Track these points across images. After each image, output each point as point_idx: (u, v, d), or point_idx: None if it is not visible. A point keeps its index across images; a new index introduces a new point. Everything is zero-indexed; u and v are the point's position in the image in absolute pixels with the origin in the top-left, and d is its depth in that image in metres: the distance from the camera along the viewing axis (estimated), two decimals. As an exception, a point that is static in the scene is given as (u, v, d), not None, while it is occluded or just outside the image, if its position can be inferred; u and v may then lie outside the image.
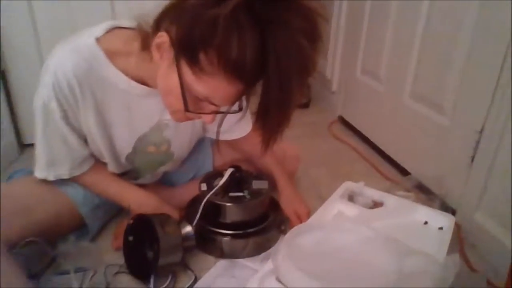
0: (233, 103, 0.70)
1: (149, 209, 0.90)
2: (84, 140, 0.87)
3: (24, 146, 1.47)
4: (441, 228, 0.93)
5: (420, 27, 1.28)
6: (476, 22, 1.04)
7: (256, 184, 0.98)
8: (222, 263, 0.92)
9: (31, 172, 0.89)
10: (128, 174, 1.00)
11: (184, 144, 1.00)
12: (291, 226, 0.92)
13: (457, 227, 1.05)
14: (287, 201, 1.07)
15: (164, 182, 1.13)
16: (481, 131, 1.02)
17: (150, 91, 0.81)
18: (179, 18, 0.61)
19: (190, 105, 0.68)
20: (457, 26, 1.10)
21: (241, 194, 0.94)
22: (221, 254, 0.93)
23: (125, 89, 0.80)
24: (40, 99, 0.78)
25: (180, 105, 0.68)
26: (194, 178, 1.14)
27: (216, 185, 0.95)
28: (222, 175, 0.97)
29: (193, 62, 0.62)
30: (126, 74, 0.79)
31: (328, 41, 2.01)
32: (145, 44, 0.71)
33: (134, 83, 0.80)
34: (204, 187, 0.96)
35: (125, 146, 0.90)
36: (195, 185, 0.99)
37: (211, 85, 0.63)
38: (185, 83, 0.65)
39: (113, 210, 1.04)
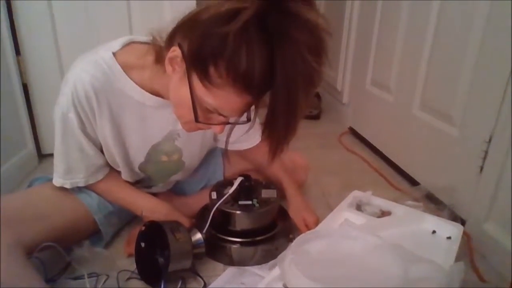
0: (241, 114, 0.73)
1: (161, 216, 0.93)
2: (100, 150, 0.91)
3: (43, 156, 1.53)
4: (449, 238, 0.93)
5: (429, 39, 1.29)
6: (484, 33, 1.05)
7: (265, 193, 1.00)
8: (231, 270, 0.94)
9: (49, 180, 0.93)
10: (141, 183, 1.03)
11: (194, 153, 1.03)
12: (299, 234, 0.94)
13: (467, 237, 1.05)
14: (296, 209, 1.09)
15: (176, 191, 1.16)
16: (489, 141, 1.03)
17: (163, 103, 0.85)
18: (192, 33, 0.64)
19: (200, 116, 0.71)
20: (465, 38, 1.11)
21: (250, 202, 0.96)
22: (230, 261, 0.95)
23: (139, 101, 0.84)
24: (59, 109, 0.82)
25: (191, 116, 0.71)
26: (205, 187, 1.16)
27: (226, 194, 0.97)
28: (232, 184, 0.99)
29: (204, 75, 0.65)
30: (141, 86, 0.83)
31: (339, 53, 2.04)
32: (159, 58, 0.75)
33: (148, 95, 0.84)
34: (214, 195, 0.98)
35: (138, 155, 0.94)
36: (206, 194, 1.01)
37: (221, 97, 0.66)
38: (196, 95, 0.68)
39: (127, 217, 1.07)
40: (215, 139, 1.08)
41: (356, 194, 1.08)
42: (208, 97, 0.67)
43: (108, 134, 0.86)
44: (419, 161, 1.39)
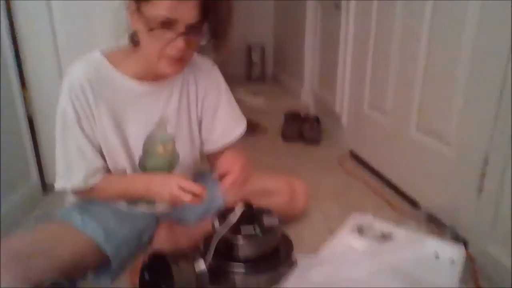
0: (185, 16, 0.81)
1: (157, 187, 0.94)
2: (99, 152, 0.96)
3: (48, 189, 1.54)
4: (451, 260, 0.93)
5: (421, 62, 1.33)
6: (473, 56, 1.09)
7: (267, 220, 1.01)
8: (235, 298, 0.94)
9: (53, 217, 0.95)
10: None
11: (186, 143, 1.05)
12: (301, 258, 0.94)
13: (471, 259, 1.05)
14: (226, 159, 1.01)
15: (179, 221, 1.17)
16: (486, 162, 1.04)
17: (151, 88, 0.96)
18: None
19: (158, 35, 0.81)
20: (456, 60, 1.15)
21: (253, 231, 0.97)
22: (234, 289, 0.95)
23: (130, 89, 0.94)
24: (59, 107, 0.91)
25: (159, 47, 0.83)
26: (206, 215, 1.17)
27: (229, 222, 0.98)
28: (233, 211, 1.00)
29: None
30: (129, 75, 0.93)
31: (336, 78, 2.09)
32: (133, 39, 0.89)
33: (136, 82, 0.94)
34: (217, 224, 0.99)
35: (137, 146, 0.99)
36: (208, 222, 1.02)
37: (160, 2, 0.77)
38: (146, 17, 0.80)
39: (134, 248, 1.06)
40: (204, 139, 1.10)
41: (356, 217, 1.09)
42: (155, 10, 0.79)
43: (107, 125, 0.93)
44: (419, 183, 1.40)
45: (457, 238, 1.10)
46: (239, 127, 1.11)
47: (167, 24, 0.80)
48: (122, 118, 0.95)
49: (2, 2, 1.30)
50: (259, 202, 1.12)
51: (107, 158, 0.97)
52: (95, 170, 0.95)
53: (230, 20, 0.85)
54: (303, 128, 2.22)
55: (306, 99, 2.73)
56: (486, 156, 1.04)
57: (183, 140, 1.05)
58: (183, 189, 0.89)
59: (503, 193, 0.99)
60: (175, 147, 1.03)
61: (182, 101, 1.02)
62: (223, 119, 1.08)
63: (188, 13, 0.80)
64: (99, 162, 0.96)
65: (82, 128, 0.92)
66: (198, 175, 1.22)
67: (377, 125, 1.68)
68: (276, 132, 2.32)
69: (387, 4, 1.54)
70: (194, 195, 0.89)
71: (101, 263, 0.97)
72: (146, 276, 0.90)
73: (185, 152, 1.06)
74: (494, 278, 1.00)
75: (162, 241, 1.08)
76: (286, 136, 2.23)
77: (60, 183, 0.94)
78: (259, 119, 2.41)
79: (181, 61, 0.88)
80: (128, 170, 0.99)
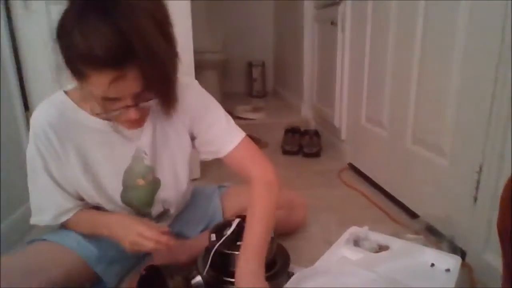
0: (126, 92, 0.75)
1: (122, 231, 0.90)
2: (72, 192, 0.94)
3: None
4: (448, 270, 0.93)
5: (414, 74, 1.36)
6: (465, 67, 1.11)
7: (263, 233, 1.02)
8: (232, 311, 0.94)
9: (46, 238, 0.96)
10: None
11: (167, 172, 1.01)
12: (299, 271, 0.94)
13: (469, 269, 1.05)
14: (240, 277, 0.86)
15: (177, 235, 1.18)
16: (480, 171, 1.05)
17: (118, 126, 0.90)
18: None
19: (104, 107, 0.78)
20: (448, 72, 1.17)
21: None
22: (231, 301, 0.95)
23: (97, 128, 0.89)
24: (27, 151, 0.90)
25: (112, 114, 0.79)
26: (205, 229, 1.18)
27: (225, 235, 0.99)
28: (231, 225, 1.01)
29: (73, 73, 0.73)
30: (94, 114, 0.87)
31: (334, 92, 2.11)
32: None
33: (102, 121, 0.88)
34: (213, 237, 1.00)
35: (114, 183, 0.95)
36: (206, 236, 1.03)
37: (93, 83, 0.72)
38: (84, 91, 0.76)
39: (130, 264, 1.08)
40: (198, 150, 1.05)
41: (353, 230, 1.10)
42: (88, 87, 0.73)
43: (77, 169, 0.90)
44: (416, 194, 1.40)
45: (455, 248, 1.10)
46: (236, 134, 1.01)
47: (111, 99, 0.75)
48: (92, 158, 0.92)
49: (3, 13, 1.33)
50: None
51: (83, 197, 0.96)
52: (65, 211, 0.95)
53: (171, 80, 0.79)
54: (303, 142, 2.24)
55: (306, 114, 2.76)
56: (480, 166, 1.05)
57: (164, 169, 1.00)
58: (144, 237, 0.85)
59: (497, 201, 0.98)
60: (155, 174, 1.00)
61: (157, 132, 0.96)
62: (217, 130, 1.00)
63: (130, 88, 0.74)
64: (69, 204, 0.94)
65: (50, 173, 0.90)
66: (198, 190, 1.24)
67: (375, 138, 1.70)
68: (277, 146, 2.34)
69: (382, 20, 1.58)
70: (158, 242, 0.85)
71: (98, 279, 0.98)
72: (143, 290, 0.90)
73: (168, 180, 1.02)
74: (491, 286, 0.99)
75: (161, 255, 1.09)
76: (286, 150, 2.25)
77: (33, 219, 0.95)
78: (260, 135, 2.44)
79: (142, 118, 0.87)
80: (108, 207, 0.98)
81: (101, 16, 0.67)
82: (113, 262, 1.00)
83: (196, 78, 1.78)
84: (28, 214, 0.96)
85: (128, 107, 0.77)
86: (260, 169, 1.00)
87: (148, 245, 0.86)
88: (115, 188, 0.96)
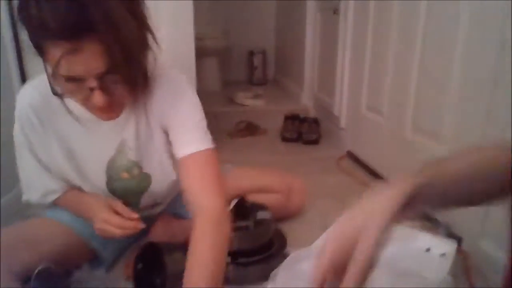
0: (86, 71, 0.68)
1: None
2: (58, 177, 0.93)
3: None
4: (443, 255, 0.94)
5: (416, 64, 1.35)
6: (467, 54, 1.10)
7: (260, 215, 1.03)
8: (227, 291, 0.95)
9: (42, 214, 0.97)
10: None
11: (154, 167, 0.95)
12: (294, 252, 0.94)
13: (464, 256, 1.05)
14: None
15: (175, 215, 1.18)
16: (478, 159, 1.05)
17: (103, 115, 0.85)
18: None
19: (65, 89, 0.72)
20: (450, 59, 1.16)
21: (245, 223, 0.99)
22: (227, 281, 0.96)
23: (81, 116, 0.85)
24: (14, 131, 0.89)
25: (79, 98, 0.74)
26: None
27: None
28: (229, 204, 1.02)
29: (37, 52, 0.69)
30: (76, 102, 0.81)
31: (335, 80, 2.11)
32: None
33: (84, 109, 0.82)
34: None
35: (98, 173, 0.93)
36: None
37: (49, 59, 0.67)
38: (48, 70, 0.70)
39: (127, 241, 1.08)
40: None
41: (350, 214, 1.10)
42: (52, 65, 0.67)
43: (60, 156, 0.89)
44: (414, 182, 1.40)
45: (451, 235, 1.10)
46: (199, 141, 0.87)
47: (74, 79, 0.69)
48: (75, 146, 0.89)
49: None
50: (256, 198, 1.13)
51: (68, 183, 0.94)
52: (51, 191, 0.94)
53: (137, 62, 0.72)
54: (302, 129, 2.24)
55: (306, 102, 2.75)
56: (478, 153, 1.05)
57: (151, 165, 0.95)
58: (110, 224, 0.83)
59: (495, 189, 0.99)
60: (142, 171, 0.95)
61: (140, 125, 0.90)
62: (181, 131, 0.89)
63: (90, 65, 0.67)
64: (55, 185, 0.93)
65: (35, 155, 0.89)
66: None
67: (374, 126, 1.70)
68: (276, 133, 2.34)
69: (384, 9, 1.57)
70: (124, 228, 0.83)
71: (95, 254, 0.99)
72: (140, 267, 0.91)
73: (157, 175, 0.97)
74: (487, 273, 1.00)
75: (159, 235, 1.10)
76: (285, 137, 2.25)
77: (24, 196, 0.95)
78: (259, 122, 2.43)
79: (112, 106, 0.78)
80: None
81: None
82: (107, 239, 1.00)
83: (197, 65, 1.79)
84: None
85: (91, 89, 0.70)
86: (210, 198, 0.82)
87: (114, 231, 0.84)
88: (99, 178, 0.93)
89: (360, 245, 0.43)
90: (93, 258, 0.99)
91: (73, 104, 0.82)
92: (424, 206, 0.48)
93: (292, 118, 2.31)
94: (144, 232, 1.12)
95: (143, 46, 0.73)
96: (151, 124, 0.90)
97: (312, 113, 2.60)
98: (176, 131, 0.88)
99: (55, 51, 0.65)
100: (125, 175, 0.94)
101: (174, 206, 1.18)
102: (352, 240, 0.43)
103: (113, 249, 1.03)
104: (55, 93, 0.74)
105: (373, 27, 1.69)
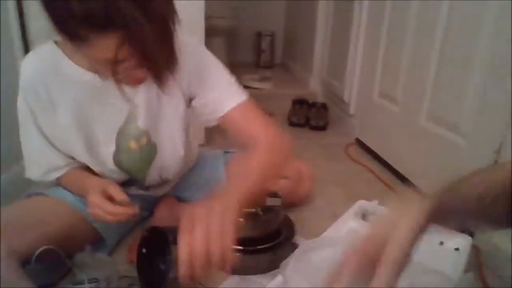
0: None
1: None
2: (63, 152, 0.91)
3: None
4: (457, 249, 0.91)
5: (436, 49, 1.29)
6: (493, 40, 1.05)
7: (270, 201, 0.99)
8: (233, 279, 0.92)
9: (45, 193, 0.93)
10: (131, 183, 1.01)
11: (163, 135, 0.95)
12: (303, 242, 0.91)
13: (476, 250, 1.02)
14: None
15: (179, 198, 1.16)
16: (498, 151, 1.01)
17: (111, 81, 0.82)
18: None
19: (109, 70, 0.70)
20: (473, 46, 1.11)
21: (253, 210, 0.95)
22: (233, 269, 0.93)
23: (90, 82, 0.82)
24: (18, 104, 0.85)
25: (114, 77, 0.72)
26: (208, 193, 1.15)
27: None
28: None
29: (73, 40, 0.66)
30: (86, 68, 0.81)
31: (346, 65, 2.05)
32: None
33: (94, 75, 0.81)
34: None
35: (108, 142, 0.90)
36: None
37: (98, 49, 0.66)
38: (92, 58, 0.70)
39: (130, 224, 1.06)
40: (197, 113, 0.97)
41: (361, 204, 1.07)
42: (90, 51, 0.67)
43: (69, 125, 0.85)
44: (426, 172, 1.36)
45: (463, 229, 1.07)
46: (237, 94, 0.92)
47: (117, 61, 0.68)
48: (85, 114, 0.86)
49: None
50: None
51: (73, 155, 0.92)
52: (55, 167, 0.91)
53: (171, 36, 0.71)
54: (310, 114, 2.19)
55: (314, 86, 2.70)
56: (499, 146, 1.01)
57: (160, 133, 0.94)
58: (101, 209, 0.81)
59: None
60: (150, 141, 0.94)
61: (151, 94, 0.89)
62: (216, 91, 0.91)
63: (135, 48, 0.67)
64: (59, 161, 0.91)
65: (40, 129, 0.86)
66: (202, 155, 1.21)
67: (386, 113, 1.65)
68: (283, 117, 2.29)
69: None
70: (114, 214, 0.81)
71: (98, 237, 0.96)
72: (144, 252, 0.88)
73: (165, 145, 0.96)
74: (499, 269, 0.97)
75: (162, 218, 1.07)
76: (292, 122, 2.21)
77: (26, 173, 0.92)
78: (265, 105, 2.38)
79: (143, 79, 0.81)
80: (96, 168, 0.93)
81: None
82: None
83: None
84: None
85: (135, 66, 0.71)
86: (265, 130, 0.87)
87: (105, 217, 0.82)
88: (108, 147, 0.91)
89: (391, 245, 0.44)
90: (95, 241, 0.96)
91: (79, 70, 0.81)
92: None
93: (300, 103, 2.26)
94: (148, 215, 1.10)
95: (173, 22, 0.71)
96: (169, 90, 0.85)
97: (320, 98, 2.55)
98: (212, 94, 0.90)
99: (106, 41, 0.64)
100: (133, 145, 0.92)
101: (179, 189, 1.15)
102: (383, 240, 0.44)
103: (115, 230, 1.01)
104: (105, 78, 0.75)
105: (391, 10, 1.61)
